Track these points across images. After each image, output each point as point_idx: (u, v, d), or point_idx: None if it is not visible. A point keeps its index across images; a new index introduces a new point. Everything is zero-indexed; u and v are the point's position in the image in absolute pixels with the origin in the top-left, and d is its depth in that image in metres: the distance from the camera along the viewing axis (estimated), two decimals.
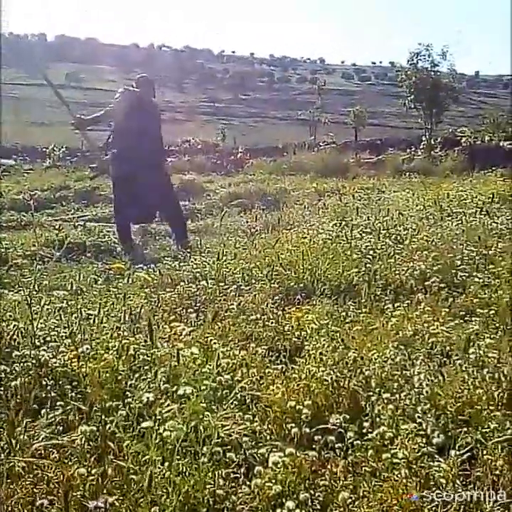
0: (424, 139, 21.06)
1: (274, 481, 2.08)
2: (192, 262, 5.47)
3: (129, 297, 4.33)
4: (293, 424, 2.47)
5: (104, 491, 1.97)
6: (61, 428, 2.49)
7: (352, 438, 2.37)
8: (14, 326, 3.41)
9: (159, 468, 2.00)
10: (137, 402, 2.31)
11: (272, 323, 3.83)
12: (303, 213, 8.85)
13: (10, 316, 3.69)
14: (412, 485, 2.09)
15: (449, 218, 6.92)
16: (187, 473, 2.03)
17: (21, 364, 2.98)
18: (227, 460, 2.19)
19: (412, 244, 5.59)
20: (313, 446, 2.37)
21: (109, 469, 2.02)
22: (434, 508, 2.02)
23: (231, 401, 2.56)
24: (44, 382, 2.86)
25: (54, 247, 6.72)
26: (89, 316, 3.65)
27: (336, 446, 2.36)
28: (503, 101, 57.09)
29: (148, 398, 2.18)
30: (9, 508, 1.98)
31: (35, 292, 3.71)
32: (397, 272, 4.81)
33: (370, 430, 2.41)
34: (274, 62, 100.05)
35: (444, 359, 3.13)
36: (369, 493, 2.10)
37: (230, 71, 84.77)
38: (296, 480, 2.14)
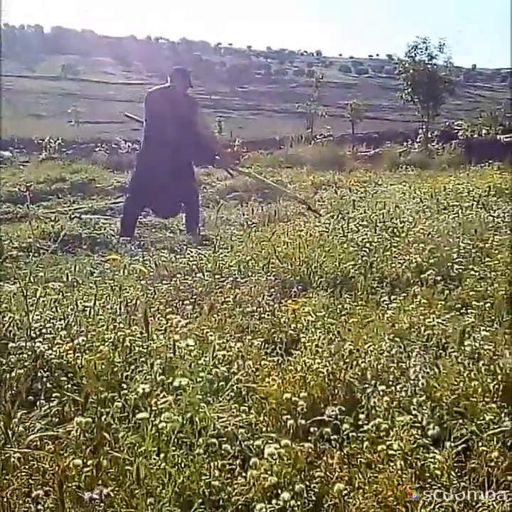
0: (421, 132, 21.02)
1: (269, 472, 2.08)
2: (188, 254, 5.46)
3: (125, 289, 4.33)
4: (289, 416, 2.47)
5: (100, 482, 1.97)
6: (57, 420, 2.49)
7: (347, 430, 2.37)
8: (10, 317, 3.41)
9: (155, 459, 2.00)
10: (133, 393, 2.31)
11: (268, 315, 3.83)
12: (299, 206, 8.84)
13: (6, 307, 3.69)
14: (407, 476, 2.09)
15: (446, 211, 6.92)
16: (182, 465, 2.03)
17: (17, 356, 2.99)
18: (223, 451, 2.19)
19: (408, 237, 5.59)
20: (309, 437, 2.37)
21: (104, 461, 2.02)
22: (429, 499, 2.02)
23: (227, 393, 2.56)
24: (40, 374, 2.87)
25: (50, 239, 6.72)
26: (85, 308, 3.65)
27: (332, 437, 2.37)
28: (500, 94, 57.02)
29: (143, 390, 2.18)
30: (5, 499, 1.98)
31: (30, 284, 3.70)
32: (393, 265, 4.81)
33: (365, 422, 2.42)
34: (271, 55, 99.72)
35: (440, 351, 3.13)
36: (364, 485, 2.11)
37: (227, 64, 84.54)
38: (291, 471, 2.15)
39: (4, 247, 6.47)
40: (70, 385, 2.76)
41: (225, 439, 2.27)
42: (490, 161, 12.80)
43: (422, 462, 2.18)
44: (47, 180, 13.05)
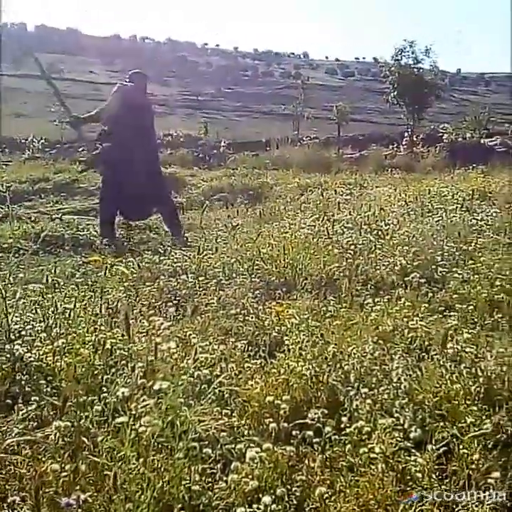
0: (406, 135, 21.11)
1: (250, 476, 2.07)
2: (172, 255, 5.44)
3: (107, 291, 4.30)
4: (271, 419, 2.47)
5: (78, 488, 1.94)
6: (35, 423, 2.46)
7: (330, 433, 2.36)
8: None
9: (134, 464, 1.98)
10: (113, 397, 2.28)
11: (252, 317, 3.82)
12: (285, 208, 8.83)
13: None
14: (388, 480, 2.09)
15: (430, 214, 6.95)
16: (162, 469, 2.01)
17: None
18: (204, 455, 2.18)
19: (393, 240, 5.60)
20: (291, 441, 2.36)
21: (82, 465, 2.00)
22: (409, 503, 2.02)
23: (209, 396, 2.54)
24: (18, 377, 2.84)
25: (31, 239, 6.66)
26: (66, 310, 3.61)
27: (314, 441, 2.36)
28: (485, 98, 57.39)
29: (123, 393, 2.15)
30: None
31: (10, 285, 3.66)
32: (377, 267, 4.82)
33: (348, 425, 2.41)
34: (258, 57, 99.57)
35: (423, 354, 3.13)
36: (346, 488, 2.10)
37: (213, 64, 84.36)
38: (273, 475, 2.14)
39: None
40: (48, 389, 2.73)
41: (206, 442, 2.25)
42: (474, 165, 12.88)
43: (404, 465, 2.17)
44: (29, 180, 12.94)
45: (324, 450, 2.32)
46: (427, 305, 3.94)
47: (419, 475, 2.14)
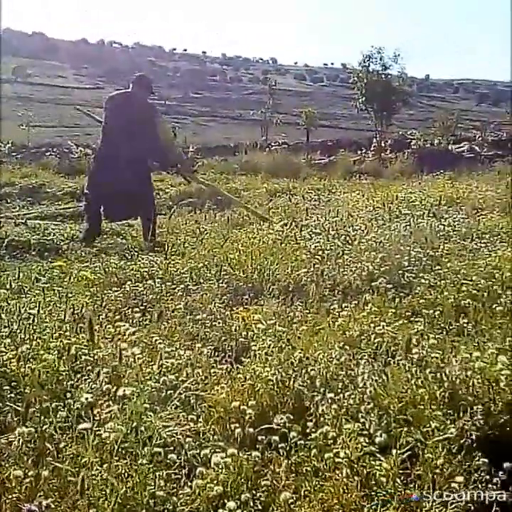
0: (374, 141, 21.29)
1: (215, 481, 2.07)
2: (139, 261, 5.41)
3: (73, 296, 4.26)
4: (237, 425, 2.47)
5: (41, 494, 1.92)
6: None
7: (295, 438, 2.37)
8: None
9: (97, 469, 1.96)
10: (77, 403, 2.26)
11: (219, 323, 3.82)
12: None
13: None
14: (353, 484, 2.09)
15: (398, 220, 6.99)
16: (126, 475, 1.99)
17: None
18: (169, 461, 2.17)
19: (360, 245, 5.62)
20: (257, 446, 2.36)
21: (45, 471, 1.98)
22: (374, 507, 2.03)
23: (174, 402, 2.53)
24: None
25: None
26: (30, 316, 3.57)
27: (280, 446, 2.36)
28: (453, 105, 58.10)
29: (87, 399, 2.14)
30: None
31: None
32: (345, 273, 4.83)
33: (313, 430, 2.42)
34: (227, 62, 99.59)
35: (389, 359, 3.14)
36: (310, 493, 2.11)
37: (181, 69, 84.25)
38: (238, 480, 2.13)
39: None
40: (12, 395, 2.69)
41: (171, 448, 2.24)
42: (441, 171, 13.03)
43: (368, 470, 2.18)
44: None
45: (290, 455, 2.32)
46: (393, 310, 3.95)
47: (384, 479, 2.15)
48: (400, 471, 2.20)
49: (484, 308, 3.83)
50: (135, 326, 3.47)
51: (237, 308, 4.17)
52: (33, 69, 64.00)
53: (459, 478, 2.11)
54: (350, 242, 5.92)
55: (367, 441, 2.31)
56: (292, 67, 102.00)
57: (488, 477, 2.17)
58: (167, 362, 2.92)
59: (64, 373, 2.84)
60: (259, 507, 2.08)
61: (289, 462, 2.29)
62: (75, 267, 5.32)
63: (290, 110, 39.51)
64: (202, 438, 2.44)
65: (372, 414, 2.53)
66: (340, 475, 2.14)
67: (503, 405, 2.52)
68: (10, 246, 6.11)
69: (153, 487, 2.04)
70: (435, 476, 2.16)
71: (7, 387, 2.74)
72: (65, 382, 2.77)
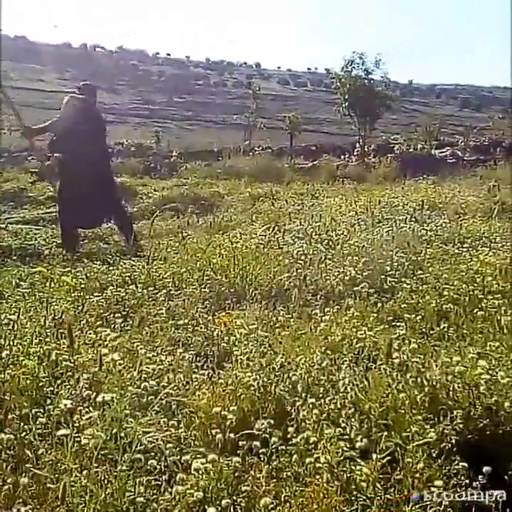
0: (358, 145, 21.31)
1: (196, 487, 2.06)
2: (121, 266, 5.39)
3: (54, 302, 4.24)
4: (218, 430, 2.46)
5: (20, 501, 1.91)
6: None
7: (276, 443, 2.37)
8: None
9: (77, 476, 1.95)
10: (57, 409, 2.25)
11: (201, 328, 3.81)
12: (236, 218, 8.86)
13: None
14: (333, 489, 2.10)
15: (380, 224, 7.02)
16: (105, 481, 1.99)
17: None
18: (149, 467, 2.16)
19: (343, 250, 5.64)
20: (238, 451, 2.36)
21: (25, 478, 1.96)
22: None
23: (155, 407, 2.52)
24: None
25: None
26: (10, 321, 3.54)
27: (260, 451, 2.36)
28: (436, 109, 58.31)
29: (66, 405, 2.13)
30: None
31: None
32: (327, 278, 4.83)
33: (294, 435, 2.42)
34: (210, 66, 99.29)
35: (370, 364, 3.15)
36: (291, 498, 2.11)
37: (165, 73, 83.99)
38: (218, 486, 2.13)
39: None
40: None
41: (151, 454, 2.24)
42: (424, 175, 13.07)
43: (349, 475, 2.19)
44: None
45: (270, 460, 2.32)
46: (375, 315, 3.98)
47: (364, 484, 2.15)
48: (380, 476, 2.21)
49: (465, 313, 3.86)
50: (116, 332, 3.46)
51: (219, 313, 4.17)
52: (14, 72, 63.60)
53: (439, 482, 2.12)
54: (333, 246, 5.94)
55: (347, 446, 2.32)
56: (276, 71, 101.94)
57: (467, 481, 2.18)
58: (148, 367, 2.91)
59: (44, 379, 2.83)
60: None
61: (270, 467, 2.29)
62: (56, 272, 5.29)
63: (274, 115, 39.50)
64: (183, 444, 2.43)
65: (353, 419, 2.55)
66: (320, 480, 2.15)
67: (482, 410, 2.54)
68: None
69: (133, 493, 2.04)
70: (415, 481, 2.17)
71: None
72: (44, 389, 2.75)
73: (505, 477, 2.27)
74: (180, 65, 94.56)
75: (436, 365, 2.88)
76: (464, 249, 5.54)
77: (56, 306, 4.13)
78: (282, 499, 2.12)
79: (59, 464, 2.01)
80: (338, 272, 4.93)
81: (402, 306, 4.21)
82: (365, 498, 2.11)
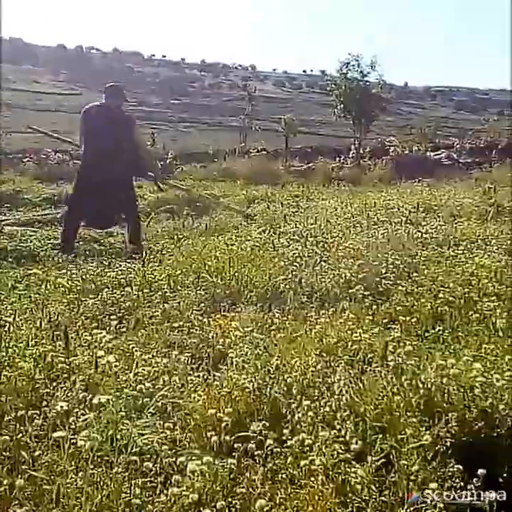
0: (353, 147, 21.38)
1: (191, 489, 2.07)
2: (117, 267, 5.38)
3: (50, 304, 4.23)
4: (213, 432, 2.47)
5: (16, 503, 1.91)
6: None
7: (271, 445, 2.37)
8: None
9: (72, 478, 1.95)
10: (53, 411, 2.25)
11: (196, 330, 3.81)
12: (232, 220, 8.86)
13: None
14: (328, 491, 2.10)
15: (376, 227, 7.04)
16: (101, 483, 1.99)
17: None
18: (145, 469, 2.16)
19: (338, 252, 5.65)
20: (233, 453, 2.36)
21: (21, 480, 1.96)
22: None
23: (151, 409, 2.53)
24: None
25: None
26: (6, 323, 3.54)
27: (256, 453, 2.36)
28: (431, 112, 58.51)
29: (62, 407, 2.13)
30: None
31: None
32: (322, 280, 4.84)
33: (289, 437, 2.42)
34: (206, 68, 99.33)
35: (366, 366, 3.16)
36: (286, 501, 2.11)
37: (160, 75, 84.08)
38: (213, 488, 2.13)
39: None
40: None
41: (147, 456, 2.24)
42: (420, 178, 13.10)
43: (344, 477, 2.19)
44: None
45: (265, 462, 2.33)
46: (370, 317, 3.98)
47: (359, 486, 2.16)
48: (375, 478, 2.21)
49: (460, 316, 3.87)
50: (112, 334, 3.46)
51: (214, 316, 4.17)
52: (10, 74, 63.49)
53: (433, 485, 2.12)
54: (328, 249, 5.95)
55: (342, 448, 2.32)
56: (271, 73, 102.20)
57: (462, 484, 2.19)
58: (144, 369, 2.92)
59: (40, 381, 2.82)
60: None
61: (265, 469, 2.29)
62: (51, 273, 5.28)
63: (269, 117, 39.59)
64: (178, 446, 2.44)
65: (348, 422, 2.55)
66: (315, 482, 2.15)
67: (477, 412, 2.55)
68: None
69: (128, 495, 2.04)
70: (410, 483, 2.18)
71: None
72: (40, 390, 2.75)
73: (500, 480, 2.28)
74: (175, 66, 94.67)
75: (431, 368, 2.88)
76: (459, 252, 5.54)
77: (52, 308, 4.12)
78: (277, 501, 2.12)
79: (55, 466, 2.02)
80: (334, 274, 4.94)
81: (398, 308, 4.22)
82: (359, 500, 2.11)
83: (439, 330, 3.69)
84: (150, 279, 4.99)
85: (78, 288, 4.82)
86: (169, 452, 2.33)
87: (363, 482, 2.16)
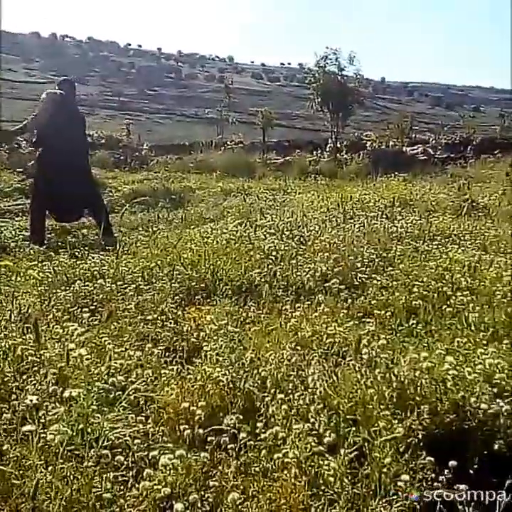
0: (330, 141, 21.36)
1: (163, 483, 2.05)
2: (89, 259, 5.33)
3: (20, 296, 4.18)
4: (186, 426, 2.45)
5: None
6: None
7: (245, 438, 2.37)
8: None
9: (42, 472, 1.93)
10: (22, 404, 2.22)
11: (170, 323, 3.79)
12: (207, 212, 8.83)
13: None
14: (301, 484, 2.10)
15: (352, 221, 7.05)
16: (71, 477, 1.96)
17: None
18: (116, 463, 2.14)
19: (314, 246, 5.65)
20: (207, 447, 2.35)
21: None
22: (321, 507, 2.04)
23: (123, 403, 2.50)
24: None
25: None
26: None
27: (229, 446, 2.36)
28: (407, 107, 58.71)
29: (32, 401, 2.10)
30: None
31: None
32: (298, 273, 4.84)
33: (263, 430, 2.42)
34: (182, 59, 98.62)
35: (340, 359, 3.16)
36: (259, 493, 2.11)
37: (136, 65, 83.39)
38: (186, 481, 2.12)
39: None
40: None
41: (119, 450, 2.22)
42: (396, 172, 13.11)
43: (317, 470, 2.19)
44: None
45: (239, 456, 2.32)
46: (346, 311, 3.99)
47: (332, 479, 2.16)
48: (348, 471, 2.21)
49: (434, 310, 3.89)
50: (84, 327, 3.43)
51: (189, 309, 4.16)
52: None
53: (405, 477, 2.13)
54: (304, 242, 5.95)
55: (316, 441, 2.32)
56: (249, 66, 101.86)
57: (433, 475, 2.20)
58: (116, 363, 2.89)
59: (9, 374, 2.78)
60: (207, 508, 2.07)
61: (238, 463, 2.29)
62: (22, 265, 5.22)
63: (246, 109, 39.54)
64: (151, 439, 2.42)
65: (321, 415, 2.55)
66: (288, 475, 2.15)
67: (449, 405, 2.56)
68: None
69: (99, 489, 2.02)
70: (382, 475, 2.18)
71: None
72: (10, 384, 2.71)
73: (471, 471, 2.29)
74: (151, 57, 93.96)
75: (405, 361, 2.89)
76: (434, 247, 5.58)
77: (22, 300, 4.07)
78: (250, 494, 2.11)
79: (24, 461, 1.99)
80: (309, 267, 4.94)
81: (372, 302, 4.23)
82: (332, 492, 2.11)
83: (413, 324, 3.71)
84: (124, 271, 4.94)
85: (50, 280, 4.77)
86: (141, 446, 2.32)
87: (335, 474, 2.16)
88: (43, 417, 2.04)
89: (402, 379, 2.75)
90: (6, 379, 2.74)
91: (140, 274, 4.84)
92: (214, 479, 2.20)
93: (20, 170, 12.74)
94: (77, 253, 5.76)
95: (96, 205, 7.72)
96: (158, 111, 58.13)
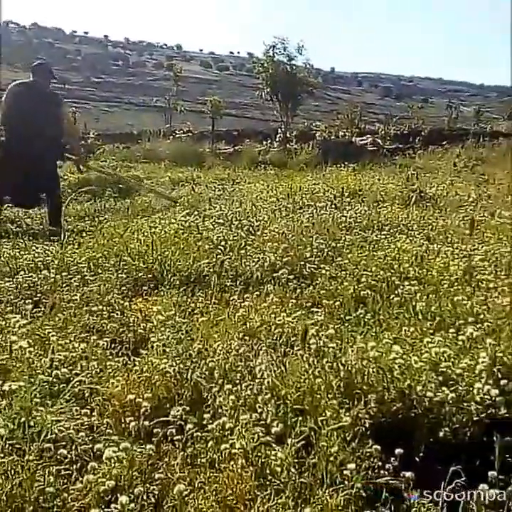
0: (280, 131, 21.35)
1: (107, 476, 2.02)
2: (34, 250, 5.21)
3: None
4: (132, 418, 2.42)
5: None
6: None
7: (192, 430, 2.36)
8: None
9: None
10: None
11: (116, 314, 3.74)
12: (155, 203, 8.74)
13: None
14: (248, 475, 2.09)
15: (301, 211, 7.08)
16: (13, 472, 1.92)
17: None
18: (59, 457, 2.10)
19: (263, 236, 5.65)
20: (153, 439, 2.33)
21: None
22: (267, 497, 2.03)
23: (67, 395, 2.46)
24: None
25: None
26: None
27: (175, 438, 2.34)
28: (357, 97, 59.15)
29: None
30: None
31: None
32: (247, 263, 4.83)
33: (210, 421, 2.41)
34: (130, 46, 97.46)
35: (288, 349, 3.16)
36: (205, 485, 2.10)
37: (82, 52, 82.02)
38: (131, 474, 2.09)
39: None
40: None
41: (62, 443, 2.18)
42: (345, 163, 13.18)
43: (264, 460, 2.19)
44: None
45: (185, 447, 2.31)
46: (294, 301, 4.00)
47: (279, 469, 2.16)
48: (295, 460, 2.22)
49: (382, 299, 3.92)
50: (27, 318, 3.36)
51: (136, 299, 4.12)
52: None
53: (351, 466, 2.14)
54: (253, 232, 5.94)
55: (263, 431, 2.32)
56: (197, 54, 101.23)
57: (380, 463, 2.21)
58: (60, 355, 2.84)
59: None
60: (153, 500, 2.05)
61: (185, 454, 2.28)
62: None
63: (195, 98, 39.26)
64: (95, 432, 2.38)
65: (269, 405, 2.55)
66: (235, 466, 2.14)
67: (396, 393, 2.58)
68: None
69: (42, 483, 1.98)
70: (329, 464, 2.19)
71: None
72: None
73: (417, 459, 2.32)
74: (98, 44, 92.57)
75: (352, 351, 2.90)
76: (382, 236, 5.63)
77: None
78: (196, 486, 2.10)
79: None
80: (258, 258, 4.93)
81: (321, 292, 4.25)
82: (279, 482, 2.11)
83: (361, 313, 3.73)
84: (69, 262, 4.85)
85: None
86: (86, 439, 2.28)
87: (282, 464, 2.17)
88: None
89: (350, 368, 2.76)
90: None
91: (86, 265, 4.76)
92: (160, 471, 2.17)
93: None
94: (20, 243, 5.62)
95: (51, 189, 7.57)
96: (105, 99, 57.35)
